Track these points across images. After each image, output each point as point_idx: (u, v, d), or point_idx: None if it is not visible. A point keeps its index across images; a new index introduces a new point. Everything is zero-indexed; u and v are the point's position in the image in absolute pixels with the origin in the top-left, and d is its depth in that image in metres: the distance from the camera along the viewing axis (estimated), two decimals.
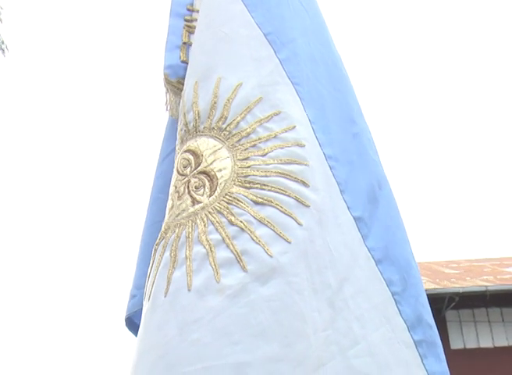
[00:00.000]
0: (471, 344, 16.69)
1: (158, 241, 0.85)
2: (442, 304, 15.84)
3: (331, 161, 0.90)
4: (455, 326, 16.15)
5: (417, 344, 0.84)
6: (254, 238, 0.77)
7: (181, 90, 0.99)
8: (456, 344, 16.67)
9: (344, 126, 0.95)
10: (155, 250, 0.84)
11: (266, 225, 0.78)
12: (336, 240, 0.82)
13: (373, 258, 0.85)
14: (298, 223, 0.79)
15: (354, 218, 0.87)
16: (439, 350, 0.88)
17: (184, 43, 1.03)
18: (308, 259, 0.77)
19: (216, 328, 0.71)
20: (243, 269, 0.75)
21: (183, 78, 0.99)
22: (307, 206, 0.81)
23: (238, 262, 0.76)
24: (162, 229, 0.85)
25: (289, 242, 0.77)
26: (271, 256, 0.76)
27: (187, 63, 0.99)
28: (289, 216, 0.79)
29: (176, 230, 0.81)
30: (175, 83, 1.01)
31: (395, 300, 0.84)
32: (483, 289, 16.13)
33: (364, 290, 0.82)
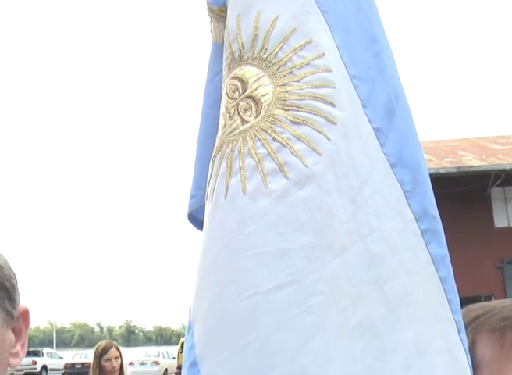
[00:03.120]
0: None
1: (214, 153, 1.09)
2: (488, 181, 16.07)
3: (355, 80, 1.09)
4: (500, 204, 16.49)
5: (422, 232, 1.06)
6: (293, 152, 1.00)
7: (223, 17, 1.19)
8: (500, 222, 17.09)
9: (366, 45, 1.12)
10: (213, 161, 1.09)
11: (302, 141, 1.01)
12: (358, 149, 1.04)
13: (389, 162, 1.06)
14: (327, 139, 1.01)
15: (374, 129, 1.07)
16: (442, 238, 1.09)
17: None
18: (335, 167, 1.00)
19: (266, 223, 0.97)
20: (286, 176, 0.99)
21: (224, 6, 1.19)
22: (335, 123, 1.02)
23: (281, 171, 0.99)
24: (217, 143, 1.09)
25: (321, 154, 1.00)
26: (306, 166, 0.99)
27: None
28: (321, 133, 1.01)
29: (230, 145, 1.05)
30: (217, 11, 1.21)
31: (406, 197, 1.06)
32: None
33: (380, 190, 1.04)
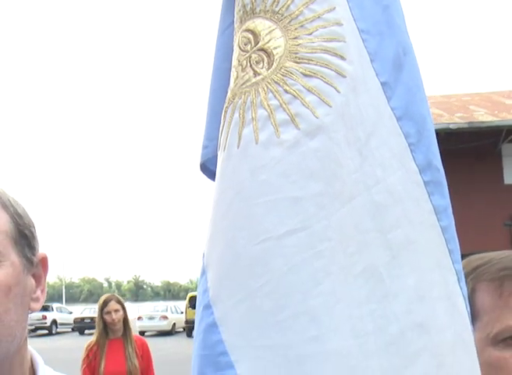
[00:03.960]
0: None
1: (226, 104, 1.12)
2: (500, 137, 16.01)
3: (363, 34, 1.11)
4: (510, 160, 16.46)
5: (426, 183, 1.09)
6: (304, 103, 1.03)
7: None
8: (510, 179, 17.10)
9: None
10: (225, 112, 1.12)
11: (313, 93, 1.03)
12: (366, 102, 1.06)
13: (395, 115, 1.09)
14: (337, 91, 1.04)
15: (381, 83, 1.09)
16: (444, 189, 1.12)
17: None
18: (344, 119, 1.03)
19: (278, 172, 1.01)
20: (297, 127, 1.02)
21: None
22: (344, 76, 1.05)
23: (292, 122, 1.02)
24: (229, 95, 1.12)
25: (331, 106, 1.03)
26: (317, 117, 1.02)
27: None
28: (331, 86, 1.04)
29: (242, 97, 1.08)
30: None
31: (410, 149, 1.08)
32: None
33: (386, 142, 1.07)
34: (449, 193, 1.14)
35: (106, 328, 5.37)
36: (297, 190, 1.01)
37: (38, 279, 1.08)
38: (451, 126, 14.03)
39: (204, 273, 1.08)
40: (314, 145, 1.03)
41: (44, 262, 1.10)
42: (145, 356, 5.45)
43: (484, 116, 14.99)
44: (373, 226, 1.05)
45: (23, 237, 1.05)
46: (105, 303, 5.40)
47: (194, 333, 1.09)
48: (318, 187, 1.01)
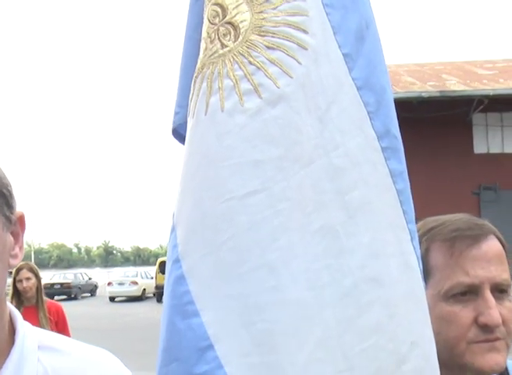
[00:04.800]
0: (495, 149, 17.41)
1: (196, 74, 1.19)
2: (471, 106, 16.17)
3: (327, 8, 1.18)
4: (481, 130, 16.71)
5: (383, 149, 1.17)
6: (267, 74, 1.11)
7: None
8: (479, 148, 17.34)
9: None
10: (194, 81, 1.19)
11: (275, 64, 1.11)
12: (327, 73, 1.14)
13: (355, 85, 1.17)
14: (299, 63, 1.12)
15: (343, 54, 1.17)
16: (401, 155, 1.20)
17: None
18: (305, 89, 1.12)
19: (241, 137, 1.08)
20: (260, 96, 1.10)
21: None
22: (306, 49, 1.13)
23: (256, 91, 1.11)
24: (198, 65, 1.20)
25: (292, 77, 1.11)
26: (278, 88, 1.11)
27: None
28: (293, 58, 1.12)
29: (210, 67, 1.16)
30: None
31: (369, 117, 1.17)
32: None
33: (346, 110, 1.15)
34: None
35: (20, 296, 5.56)
36: (259, 154, 1.10)
37: (16, 236, 1.14)
38: (423, 94, 14.16)
39: (173, 230, 1.18)
40: (276, 113, 1.11)
41: (21, 220, 1.16)
42: (60, 322, 5.70)
43: (456, 85, 15.15)
44: (331, 187, 1.14)
45: (1, 196, 1.10)
46: (17, 271, 5.56)
47: (164, 285, 1.19)
48: (278, 152, 1.10)
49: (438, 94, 14.33)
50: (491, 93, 14.32)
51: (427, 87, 14.95)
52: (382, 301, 1.13)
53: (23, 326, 1.15)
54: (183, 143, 1.23)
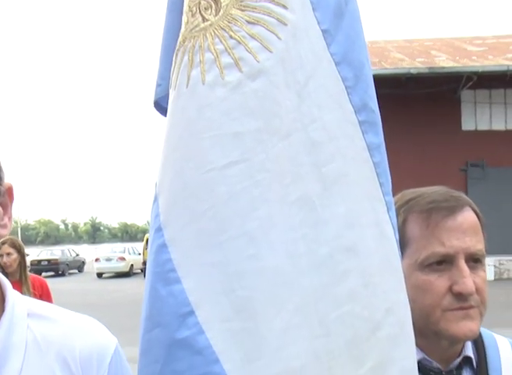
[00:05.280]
0: (483, 126, 17.49)
1: (177, 47, 1.21)
2: (459, 83, 16.18)
3: None
4: (469, 107, 16.74)
5: (360, 123, 1.20)
6: (247, 49, 1.14)
7: None
8: (467, 125, 17.39)
9: None
10: (176, 54, 1.21)
11: (256, 39, 1.14)
12: (306, 48, 1.17)
13: (334, 61, 1.20)
14: (278, 38, 1.15)
15: (322, 30, 1.20)
16: (379, 128, 1.24)
17: None
18: (284, 64, 1.14)
19: (222, 110, 1.10)
20: (240, 70, 1.13)
21: None
22: (286, 24, 1.16)
23: (236, 65, 1.13)
24: (180, 38, 1.22)
25: (271, 52, 1.14)
26: (258, 62, 1.13)
27: None
28: (272, 33, 1.15)
29: (192, 41, 1.18)
30: None
31: (347, 92, 1.20)
32: (504, 69, 16.45)
33: (324, 85, 1.18)
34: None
35: (4, 270, 5.57)
36: (239, 126, 1.13)
37: (5, 207, 1.17)
38: (412, 70, 14.18)
39: (156, 199, 1.21)
40: (255, 86, 1.14)
41: (10, 191, 1.18)
42: (44, 296, 5.69)
43: (445, 62, 15.15)
44: (308, 160, 1.18)
45: None
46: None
47: (148, 253, 1.23)
48: (257, 124, 1.14)
49: (427, 71, 14.34)
50: (480, 70, 14.34)
51: (416, 64, 14.95)
52: (357, 271, 1.17)
53: (13, 295, 1.18)
54: (165, 115, 1.25)
